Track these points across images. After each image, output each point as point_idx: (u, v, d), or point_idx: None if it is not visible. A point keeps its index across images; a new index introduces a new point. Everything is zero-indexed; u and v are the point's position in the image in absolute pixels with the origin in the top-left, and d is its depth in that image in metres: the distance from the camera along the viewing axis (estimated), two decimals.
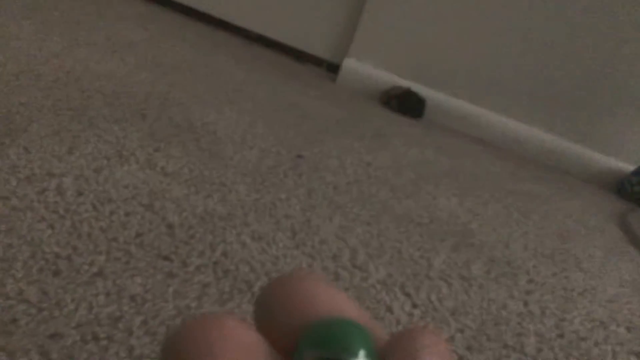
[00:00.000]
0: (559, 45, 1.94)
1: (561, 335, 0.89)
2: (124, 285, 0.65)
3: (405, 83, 2.05)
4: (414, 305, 0.83)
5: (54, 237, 0.69)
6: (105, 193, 0.82)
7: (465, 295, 0.90)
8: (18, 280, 0.60)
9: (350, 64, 2.09)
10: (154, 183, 0.90)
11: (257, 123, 1.33)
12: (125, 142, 1.00)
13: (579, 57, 1.94)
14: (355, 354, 0.14)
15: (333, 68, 2.18)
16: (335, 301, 0.15)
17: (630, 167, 2.04)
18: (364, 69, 2.09)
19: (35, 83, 1.10)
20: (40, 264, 0.63)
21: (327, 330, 0.14)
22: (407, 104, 1.98)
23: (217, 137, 1.16)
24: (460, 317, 0.84)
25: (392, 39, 2.06)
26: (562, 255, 1.21)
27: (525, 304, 0.95)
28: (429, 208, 1.21)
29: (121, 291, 0.64)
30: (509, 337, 0.83)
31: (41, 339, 0.54)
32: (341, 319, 0.15)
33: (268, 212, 0.94)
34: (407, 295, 0.85)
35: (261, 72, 1.81)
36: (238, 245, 0.81)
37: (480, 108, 2.07)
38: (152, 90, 1.28)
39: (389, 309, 0.79)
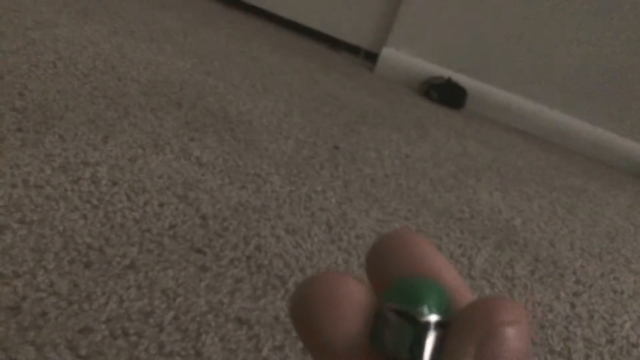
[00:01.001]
0: (608, 35, 1.85)
1: (611, 341, 0.84)
2: (155, 278, 0.64)
3: (445, 73, 1.99)
4: None
5: (86, 227, 0.68)
6: (140, 183, 0.81)
7: (508, 296, 0.86)
8: (49, 271, 0.59)
9: (388, 53, 2.04)
10: (189, 173, 0.88)
11: (293, 112, 1.30)
12: (161, 131, 0.98)
13: (628, 48, 1.85)
14: (424, 310, 0.15)
15: (371, 57, 2.13)
16: (434, 262, 0.17)
17: None
18: (403, 58, 2.04)
19: (72, 71, 1.09)
20: (72, 255, 0.62)
21: (405, 286, 0.16)
22: (447, 94, 1.92)
23: (252, 126, 1.14)
24: None
25: (432, 28, 2.00)
26: (610, 255, 1.15)
27: (573, 306, 0.90)
28: (470, 203, 1.16)
29: (153, 285, 0.62)
30: (555, 342, 0.79)
31: (71, 333, 0.53)
32: (422, 279, 0.16)
33: (303, 205, 0.91)
34: None
35: (298, 61, 1.78)
36: (272, 238, 0.79)
37: (524, 99, 2.00)
38: (188, 79, 1.27)
39: None
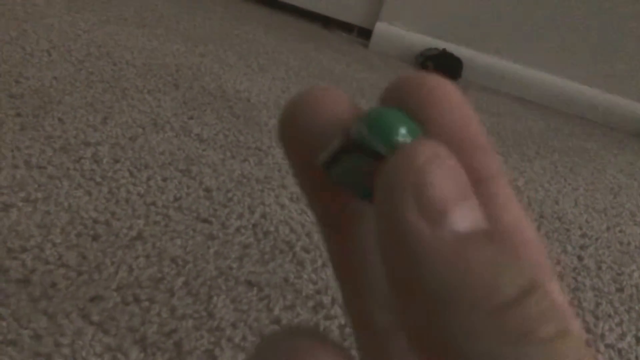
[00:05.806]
0: None
1: (620, 289, 0.84)
2: (164, 247, 0.64)
3: (440, 44, 1.98)
4: None
5: (91, 203, 0.68)
6: (142, 160, 0.81)
7: None
8: (57, 245, 0.59)
9: (382, 28, 2.03)
10: (190, 149, 0.88)
11: (290, 89, 1.30)
12: (160, 111, 0.98)
13: (627, 9, 1.83)
14: (378, 140, 0.13)
15: (365, 34, 2.12)
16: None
17: None
18: (396, 32, 2.03)
19: (67, 58, 1.09)
20: (78, 229, 0.63)
21: (372, 116, 0.14)
22: (443, 65, 1.91)
23: (250, 103, 1.14)
24: None
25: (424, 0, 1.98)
26: (615, 209, 1.15)
27: (580, 258, 0.90)
28: None
29: (161, 253, 0.63)
30: (564, 292, 0.79)
31: (82, 301, 0.53)
32: (393, 110, 0.14)
33: None
34: None
35: (292, 40, 1.77)
36: (277, 207, 0.79)
37: (520, 65, 1.99)
38: (183, 62, 1.26)
39: None
